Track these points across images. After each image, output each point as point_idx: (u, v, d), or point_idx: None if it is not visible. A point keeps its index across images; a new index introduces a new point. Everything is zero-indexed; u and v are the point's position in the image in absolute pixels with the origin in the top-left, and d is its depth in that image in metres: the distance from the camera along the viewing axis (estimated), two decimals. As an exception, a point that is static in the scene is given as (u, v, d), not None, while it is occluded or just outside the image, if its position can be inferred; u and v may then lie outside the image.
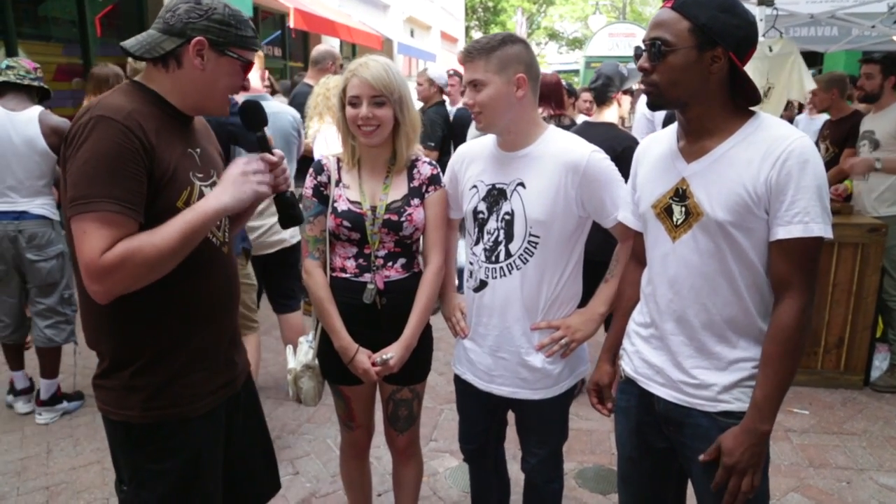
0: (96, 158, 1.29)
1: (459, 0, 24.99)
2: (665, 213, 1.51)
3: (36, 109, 3.26)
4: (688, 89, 1.40)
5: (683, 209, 1.46)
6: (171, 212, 1.38)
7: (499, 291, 1.87)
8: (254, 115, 1.64)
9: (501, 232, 1.85)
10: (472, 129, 3.94)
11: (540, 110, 3.93)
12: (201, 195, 1.46)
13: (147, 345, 1.45)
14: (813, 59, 12.10)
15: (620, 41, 13.19)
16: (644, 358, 1.60)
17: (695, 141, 1.46)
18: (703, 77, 1.38)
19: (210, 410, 1.55)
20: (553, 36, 33.27)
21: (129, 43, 1.45)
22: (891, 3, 4.56)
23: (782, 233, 1.35)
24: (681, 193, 1.47)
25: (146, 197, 1.35)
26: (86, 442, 3.19)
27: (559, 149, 1.82)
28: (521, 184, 1.82)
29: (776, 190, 1.34)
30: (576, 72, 12.09)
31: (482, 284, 1.91)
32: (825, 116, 7.34)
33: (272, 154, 1.58)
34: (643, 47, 1.43)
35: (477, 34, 31.03)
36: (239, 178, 1.44)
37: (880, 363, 3.88)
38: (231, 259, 1.65)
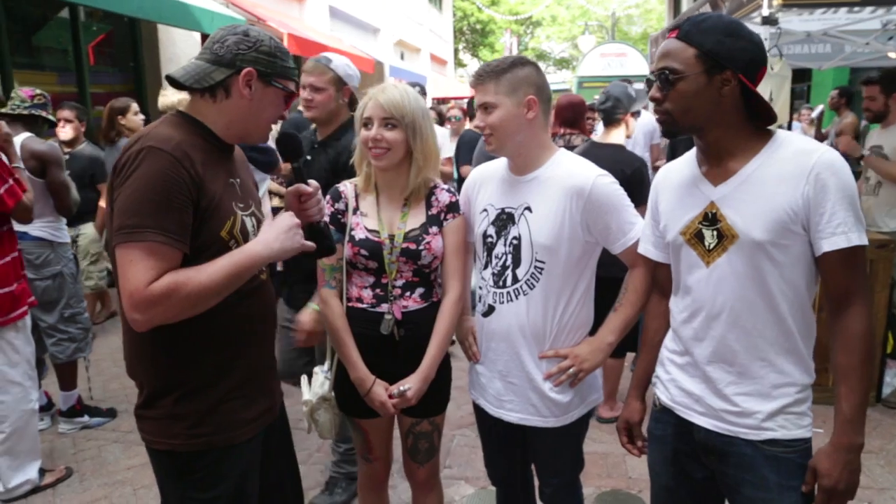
0: (145, 188, 1.31)
1: (448, 23, 25.29)
2: (696, 238, 1.49)
3: (22, 136, 3.32)
4: (701, 114, 1.41)
5: (715, 233, 1.45)
6: (215, 241, 1.41)
7: (506, 317, 1.85)
8: (290, 145, 1.65)
9: (509, 257, 1.83)
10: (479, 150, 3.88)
11: (562, 131, 3.95)
12: (243, 225, 1.50)
13: (187, 374, 1.45)
14: (801, 76, 12.31)
15: (612, 61, 13.32)
16: (681, 386, 1.57)
17: (717, 164, 1.46)
18: (714, 101, 1.39)
19: (251, 437, 1.54)
20: (541, 56, 33.69)
21: (177, 73, 1.47)
22: (884, 20, 4.63)
23: (827, 245, 1.34)
24: (710, 217, 1.46)
25: (192, 227, 1.36)
26: (92, 478, 3.10)
27: (565, 172, 1.80)
28: (528, 208, 1.81)
29: (814, 204, 1.34)
30: (567, 90, 12.20)
31: (490, 309, 1.88)
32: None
33: (307, 185, 1.59)
34: (653, 78, 1.45)
35: (465, 56, 31.36)
36: (293, 229, 1.48)
37: (891, 379, 3.86)
38: (269, 286, 1.65)
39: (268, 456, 1.65)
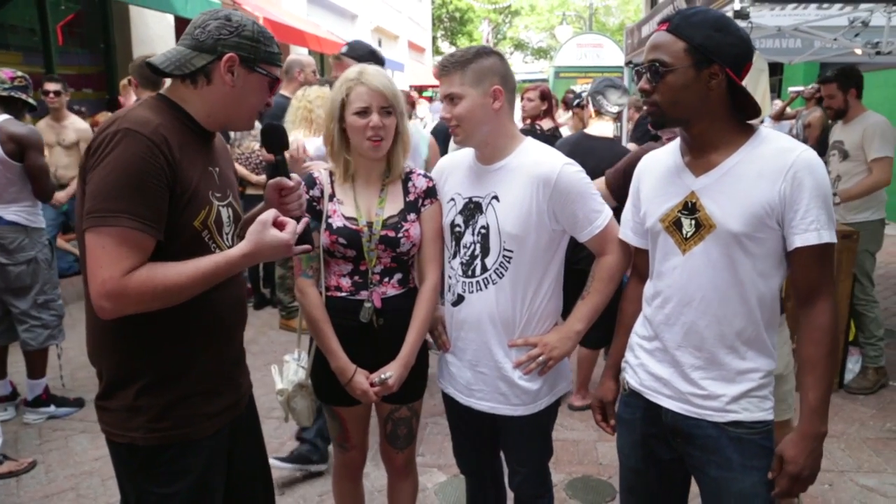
0: (121, 172, 1.27)
1: (426, 10, 25.12)
2: (674, 226, 1.53)
3: (0, 118, 3.24)
4: (689, 107, 1.44)
5: (693, 222, 1.49)
6: (187, 230, 1.38)
7: (475, 306, 1.86)
8: (275, 137, 1.61)
9: (477, 246, 1.84)
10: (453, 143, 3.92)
11: (550, 122, 3.97)
12: (218, 215, 1.47)
13: (151, 363, 1.42)
14: (773, 70, 12.49)
15: (588, 51, 13.39)
16: (649, 370, 1.61)
17: (700, 155, 1.50)
18: (702, 94, 1.42)
19: (215, 432, 1.51)
20: (519, 46, 33.68)
21: (157, 59, 1.44)
22: (851, 17, 4.74)
23: (799, 241, 1.39)
24: (690, 207, 1.50)
25: (167, 213, 1.34)
26: (58, 468, 3.05)
27: (531, 161, 1.81)
28: (496, 197, 1.81)
29: (790, 201, 1.39)
30: (544, 80, 12.25)
31: (459, 299, 1.89)
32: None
33: (289, 179, 1.55)
34: (642, 69, 1.47)
35: (443, 44, 31.20)
36: (281, 248, 1.42)
37: (853, 366, 3.97)
38: (240, 279, 1.62)
39: (236, 450, 1.62)
